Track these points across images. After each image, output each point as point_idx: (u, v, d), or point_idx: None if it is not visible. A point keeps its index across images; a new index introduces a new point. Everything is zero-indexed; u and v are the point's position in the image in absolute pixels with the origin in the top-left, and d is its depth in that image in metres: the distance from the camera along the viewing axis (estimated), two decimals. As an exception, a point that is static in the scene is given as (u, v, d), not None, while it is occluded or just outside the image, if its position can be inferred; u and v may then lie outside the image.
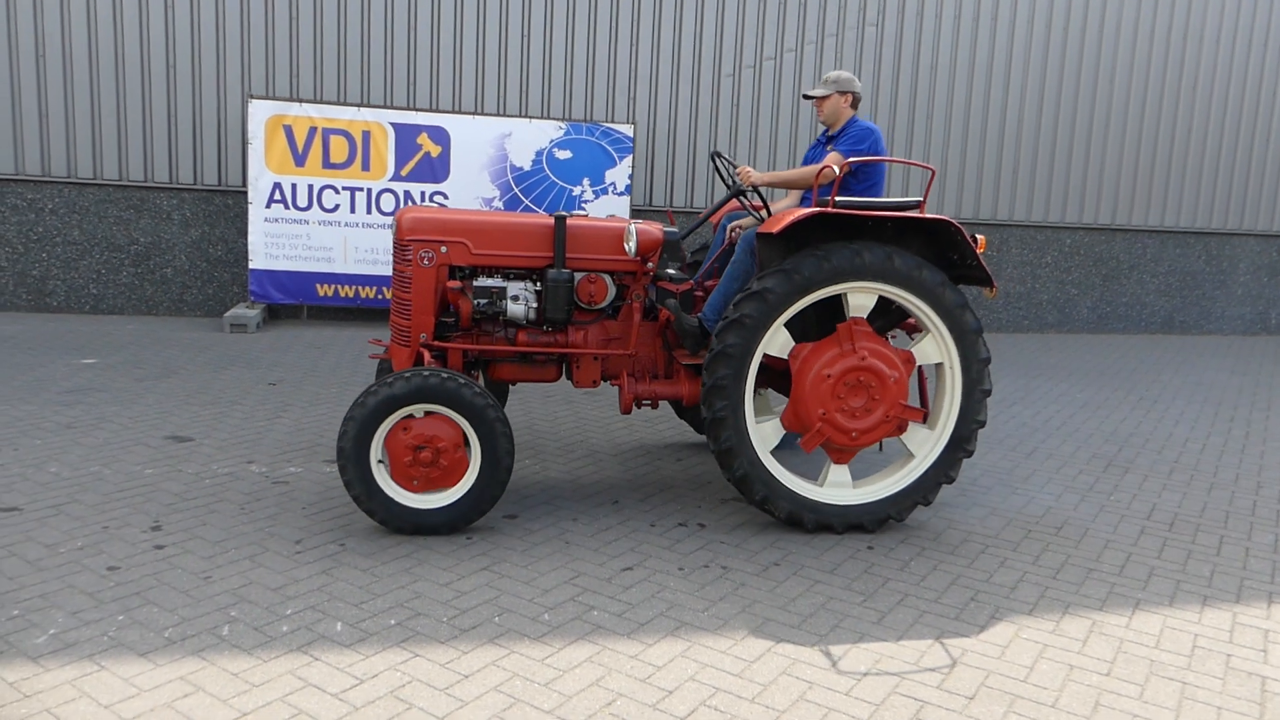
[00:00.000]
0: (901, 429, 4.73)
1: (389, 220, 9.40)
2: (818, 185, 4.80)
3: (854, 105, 5.24)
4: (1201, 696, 3.36)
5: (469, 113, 9.65)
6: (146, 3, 9.16)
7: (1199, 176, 11.72)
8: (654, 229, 4.90)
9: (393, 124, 9.28)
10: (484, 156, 9.50)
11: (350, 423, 4.22)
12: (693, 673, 3.33)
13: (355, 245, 9.40)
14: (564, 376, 5.16)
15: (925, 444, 4.79)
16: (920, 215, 4.61)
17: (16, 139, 9.13)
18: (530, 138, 9.56)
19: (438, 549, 4.26)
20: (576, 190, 9.74)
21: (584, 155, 9.69)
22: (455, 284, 4.82)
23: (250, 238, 9.24)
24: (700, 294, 5.23)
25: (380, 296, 9.54)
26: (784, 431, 4.75)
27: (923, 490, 4.78)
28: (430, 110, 9.50)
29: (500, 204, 9.57)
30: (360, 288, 9.51)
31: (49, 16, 9.01)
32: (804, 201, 5.23)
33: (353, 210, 9.34)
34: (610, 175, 9.79)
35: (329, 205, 9.29)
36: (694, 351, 4.86)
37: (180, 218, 9.63)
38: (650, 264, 4.95)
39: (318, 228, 9.31)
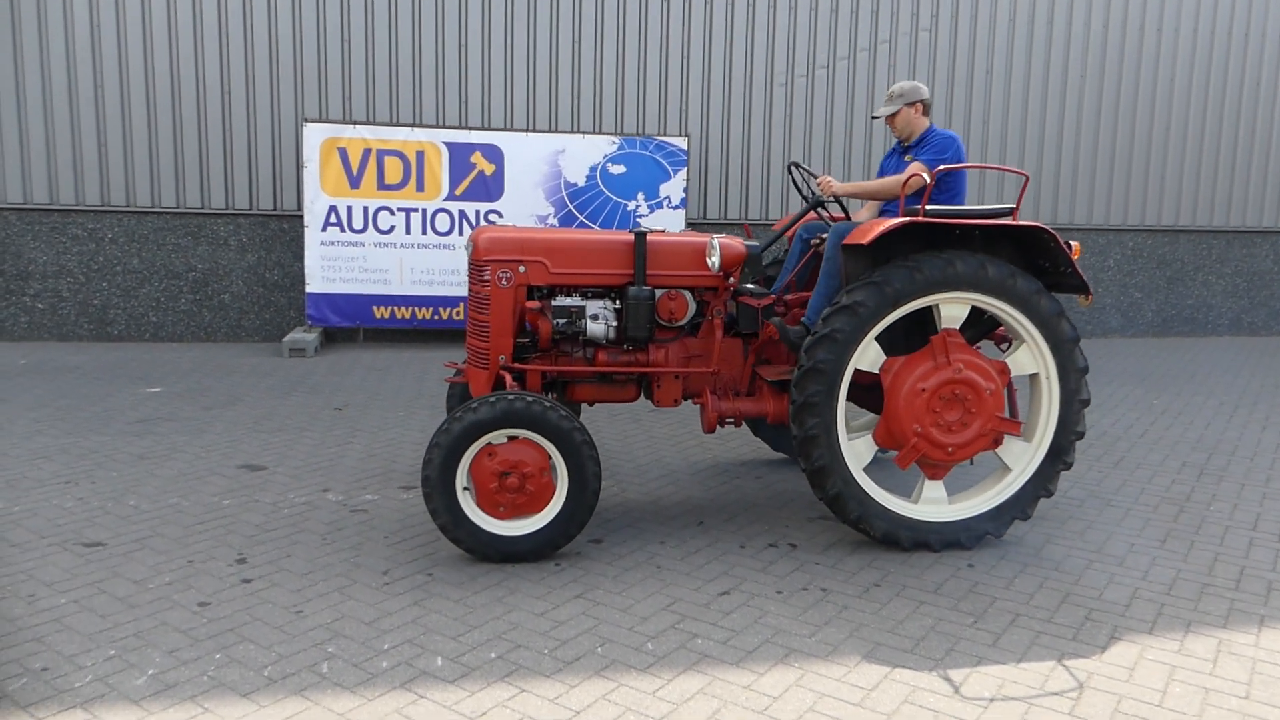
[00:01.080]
0: (998, 442, 4.56)
1: (460, 240, 9.37)
2: (904, 195, 4.66)
3: (926, 113, 5.08)
4: (1355, 723, 3.16)
5: (522, 130, 9.62)
6: (201, 31, 9.24)
7: (1265, 175, 11.38)
8: (736, 243, 4.79)
9: (446, 143, 9.27)
10: (538, 174, 9.46)
11: (435, 449, 4.14)
12: (811, 703, 3.19)
13: (411, 266, 9.38)
14: (641, 396, 5.06)
15: (1022, 457, 4.61)
16: (1014, 223, 4.45)
17: (77, 170, 9.23)
18: (584, 153, 9.50)
19: (528, 576, 4.15)
20: (631, 205, 9.66)
21: (638, 169, 9.61)
22: (534, 304, 4.73)
23: (306, 261, 9.26)
24: (781, 309, 5.10)
25: (437, 318, 9.51)
26: (876, 449, 4.60)
27: (1021, 505, 4.60)
28: (483, 129, 9.48)
29: (555, 220, 9.52)
30: (417, 309, 9.48)
31: (105, 47, 9.12)
32: (884, 212, 5.09)
33: (408, 231, 9.33)
34: (665, 189, 9.70)
35: (384, 226, 9.29)
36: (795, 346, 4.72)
37: (237, 243, 9.68)
38: (732, 279, 4.83)
39: (374, 249, 9.31)
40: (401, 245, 9.35)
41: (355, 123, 9.24)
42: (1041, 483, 4.60)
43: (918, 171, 4.76)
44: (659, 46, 9.99)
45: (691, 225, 9.94)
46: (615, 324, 4.76)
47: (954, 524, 4.56)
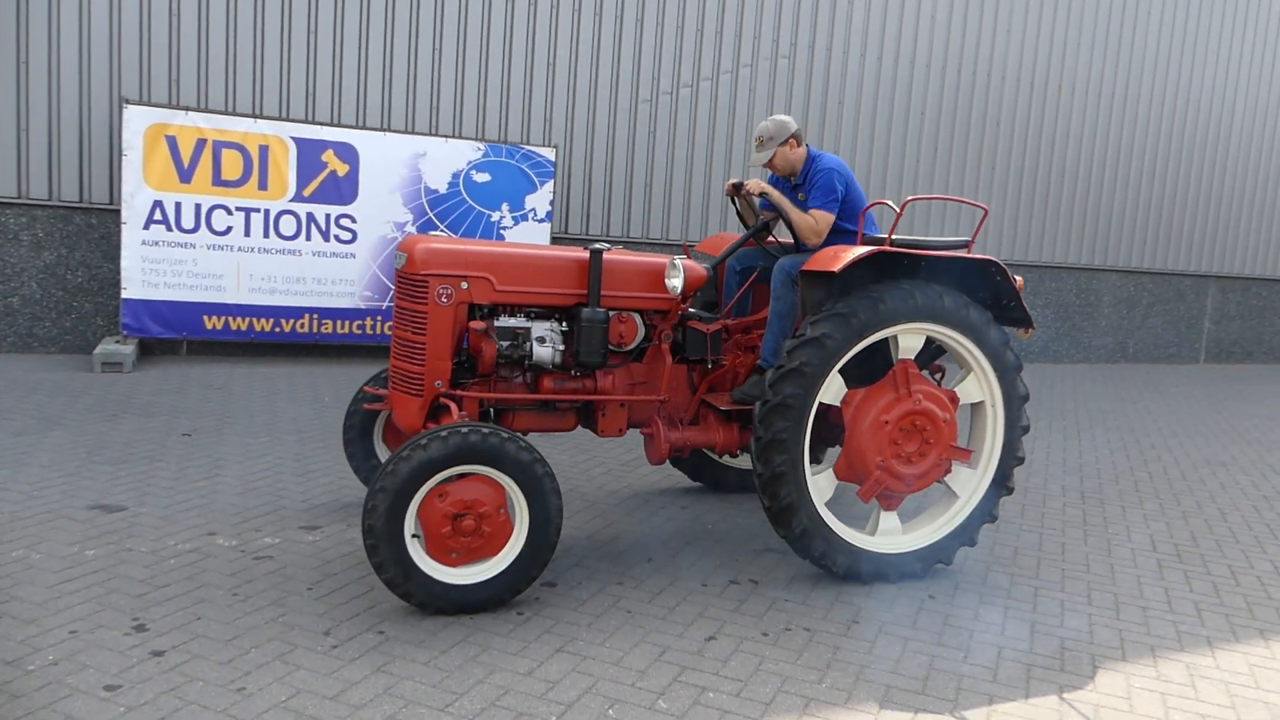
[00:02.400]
0: (947, 471, 4.59)
1: (309, 245, 8.50)
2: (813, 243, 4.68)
3: (800, 143, 4.92)
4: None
5: (376, 128, 8.91)
6: (-6, -9, 7.91)
7: (1070, 215, 12.47)
8: (696, 265, 4.55)
9: (295, 139, 8.42)
10: (396, 177, 8.79)
11: (380, 495, 3.60)
12: (858, 762, 2.99)
13: (250, 272, 8.43)
14: (578, 425, 4.70)
15: (969, 484, 4.66)
16: (969, 255, 4.50)
17: None
18: (447, 158, 8.93)
19: (492, 629, 3.70)
20: (495, 216, 9.18)
21: (503, 179, 9.16)
22: (479, 324, 4.26)
23: (124, 263, 8.10)
24: (726, 336, 4.90)
25: (279, 330, 8.60)
26: (837, 483, 4.49)
27: (969, 531, 4.65)
28: (333, 124, 8.70)
29: (413, 228, 8.87)
30: (255, 319, 8.53)
31: None
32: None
33: (248, 233, 8.38)
34: (531, 200, 9.30)
35: (219, 227, 8.29)
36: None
37: (31, 238, 8.34)
38: (685, 303, 4.59)
39: (206, 252, 8.29)
40: (240, 249, 8.38)
41: (186, 109, 8.20)
42: (987, 508, 4.67)
43: (823, 218, 4.69)
44: (525, 51, 9.59)
45: (555, 240, 9.60)
46: (562, 348, 4.39)
47: (909, 554, 4.52)
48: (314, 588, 3.97)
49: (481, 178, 9.08)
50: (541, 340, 4.32)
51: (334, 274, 8.67)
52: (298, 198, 8.49)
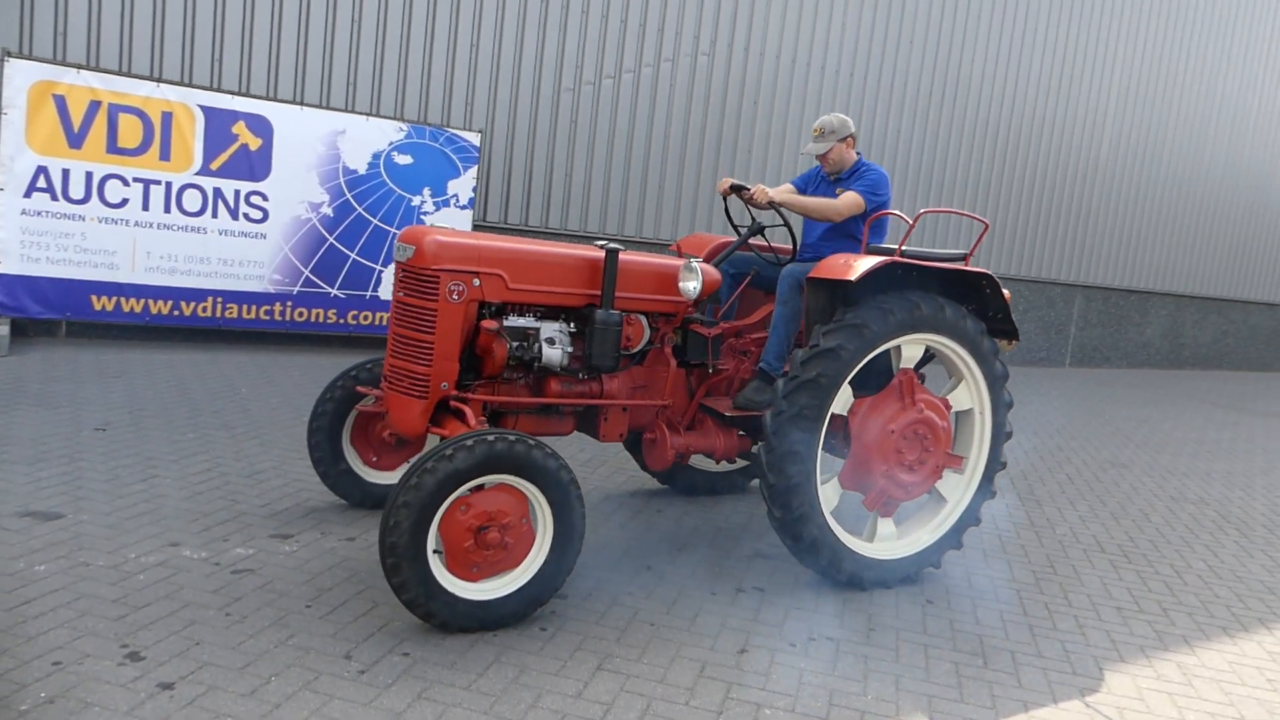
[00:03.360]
0: (939, 477, 4.67)
1: (215, 223, 7.83)
2: (838, 219, 4.66)
3: (854, 145, 5.05)
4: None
5: (288, 100, 8.32)
6: None
7: (959, 224, 13.06)
8: (712, 270, 4.45)
9: (203, 107, 7.74)
10: (313, 154, 8.23)
11: (404, 510, 3.32)
12: (935, 777, 2.98)
13: (148, 250, 7.71)
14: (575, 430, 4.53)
15: (956, 489, 4.76)
16: (966, 267, 4.59)
17: None
18: (367, 137, 8.43)
19: (521, 646, 3.49)
20: (416, 200, 8.74)
21: (426, 161, 8.73)
22: (492, 324, 4.01)
23: (0, 234, 7.24)
24: (730, 340, 4.82)
25: (178, 313, 7.91)
26: (841, 492, 4.49)
27: (956, 535, 4.75)
28: (242, 94, 8.05)
29: (330, 210, 8.34)
30: (152, 301, 7.81)
31: None
32: (815, 233, 4.98)
33: (146, 207, 7.65)
34: (453, 186, 8.91)
35: (114, 199, 7.53)
36: (768, 404, 4.46)
37: (-118, 203, 7.33)
38: (694, 307, 4.49)
39: (98, 226, 7.51)
40: (136, 223, 7.65)
41: (78, 67, 7.40)
42: (973, 512, 4.79)
43: (857, 199, 4.73)
44: (448, 30, 9.18)
45: (477, 227, 9.25)
46: (570, 349, 4.19)
47: (906, 560, 4.58)
48: (312, 605, 3.63)
49: (403, 159, 8.63)
50: (551, 341, 4.11)
51: (242, 255, 8.05)
52: (204, 171, 7.82)
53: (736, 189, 4.82)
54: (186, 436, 5.62)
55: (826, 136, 4.84)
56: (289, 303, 8.31)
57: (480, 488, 3.53)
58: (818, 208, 4.75)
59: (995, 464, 4.81)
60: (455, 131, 8.88)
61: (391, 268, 8.60)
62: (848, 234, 4.86)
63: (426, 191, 8.77)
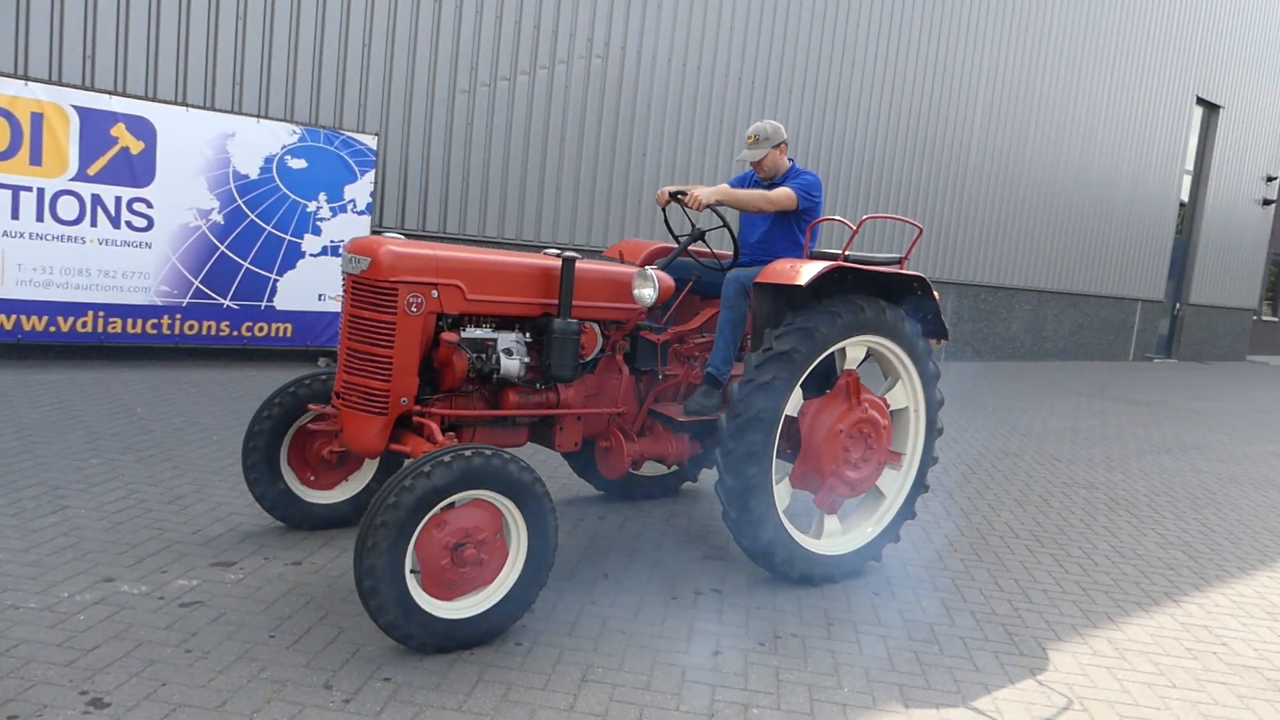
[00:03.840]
0: (881, 474, 4.84)
1: (94, 232, 7.29)
2: (769, 210, 4.80)
3: (786, 150, 5.18)
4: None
5: (169, 101, 7.85)
6: None
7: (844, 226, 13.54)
8: (667, 277, 4.47)
9: (77, 108, 7.22)
10: (200, 159, 7.80)
11: (382, 530, 3.22)
12: (926, 763, 3.10)
13: (18, 262, 7.13)
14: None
15: (894, 485, 4.95)
16: (902, 271, 4.78)
17: None
18: (259, 140, 8.05)
19: (501, 663, 3.43)
20: (312, 206, 8.41)
21: (321, 166, 8.41)
22: (452, 336, 3.91)
23: None
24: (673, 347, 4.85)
25: (54, 329, 7.35)
26: (792, 492, 4.59)
27: (894, 529, 4.94)
28: (118, 94, 7.55)
29: (220, 217, 7.92)
30: (24, 317, 7.23)
31: None
32: (752, 223, 5.06)
33: (15, 215, 7.09)
34: (350, 191, 8.62)
35: (-20, 207, 6.95)
36: (717, 409, 4.50)
37: None
38: (647, 314, 4.50)
39: (-39, 236, 6.91)
40: (5, 233, 7.07)
41: (-66, 62, 6.78)
42: (909, 507, 4.98)
43: (790, 193, 4.83)
44: (339, 27, 8.87)
45: (376, 233, 8.95)
46: (527, 360, 4.14)
47: (851, 555, 4.73)
48: (275, 634, 3.46)
49: (297, 164, 8.29)
50: (509, 352, 4.05)
51: (125, 265, 7.55)
52: (81, 176, 7.30)
53: (675, 196, 4.85)
54: (90, 463, 5.24)
55: (761, 143, 4.93)
56: (178, 315, 7.85)
57: (451, 505, 3.45)
58: (750, 199, 4.80)
59: (929, 459, 5.02)
60: (351, 134, 8.59)
61: (286, 277, 8.31)
62: (787, 237, 4.97)
63: (322, 196, 8.45)
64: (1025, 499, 6.75)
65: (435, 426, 3.74)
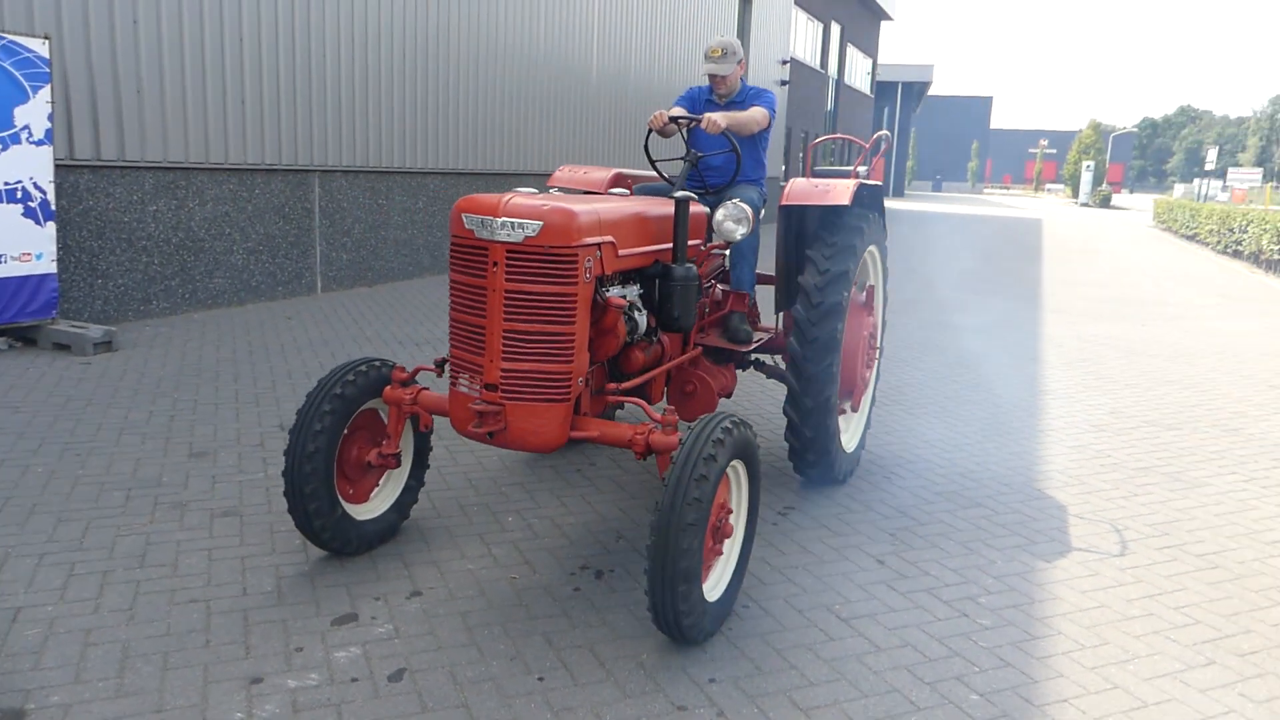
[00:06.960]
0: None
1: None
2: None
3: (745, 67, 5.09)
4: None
5: None
6: None
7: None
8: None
9: None
10: None
11: (691, 531, 2.86)
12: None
13: None
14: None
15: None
16: (880, 182, 5.12)
17: None
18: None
19: (752, 632, 3.22)
20: (-25, 138, 6.19)
21: (-23, 83, 6.18)
22: (622, 301, 3.44)
23: None
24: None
25: None
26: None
27: (868, 414, 5.35)
28: None
29: None
30: None
31: None
32: (717, 144, 4.90)
33: None
34: (22, 115, 6.45)
35: None
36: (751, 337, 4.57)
37: None
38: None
39: None
40: None
41: None
42: (873, 396, 5.42)
43: (765, 112, 4.80)
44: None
45: (62, 170, 6.87)
46: (645, 313, 3.84)
47: (854, 452, 5.01)
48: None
49: (-57, 81, 6.00)
50: (639, 309, 3.74)
51: None
52: None
53: (676, 120, 4.52)
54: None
55: (729, 57, 4.77)
56: None
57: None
58: (748, 121, 4.68)
59: (881, 354, 5.46)
60: (14, 39, 6.40)
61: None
62: (752, 156, 4.93)
63: (-12, 124, 6.26)
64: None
65: (646, 404, 3.40)
